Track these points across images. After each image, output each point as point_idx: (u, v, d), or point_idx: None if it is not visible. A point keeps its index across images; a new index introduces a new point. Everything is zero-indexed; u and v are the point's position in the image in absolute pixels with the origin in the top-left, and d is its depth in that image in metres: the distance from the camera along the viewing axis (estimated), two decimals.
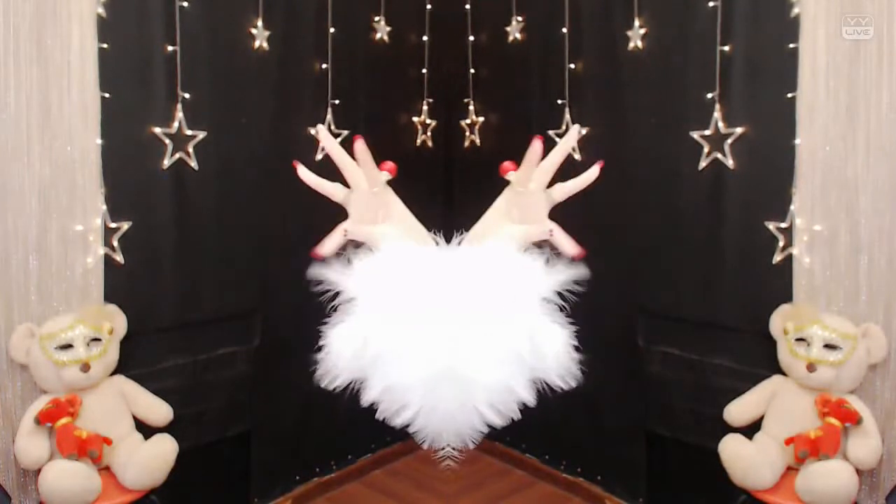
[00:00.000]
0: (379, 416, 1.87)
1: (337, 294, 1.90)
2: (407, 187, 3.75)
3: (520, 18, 3.37)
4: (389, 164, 2.12)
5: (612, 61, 2.95)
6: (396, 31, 3.42)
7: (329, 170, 3.22)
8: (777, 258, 2.49)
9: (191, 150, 2.66)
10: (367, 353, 1.80)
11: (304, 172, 2.08)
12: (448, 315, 1.79)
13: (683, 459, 2.85)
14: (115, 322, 2.41)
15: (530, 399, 1.87)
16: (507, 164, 2.11)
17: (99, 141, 2.41)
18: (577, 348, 1.93)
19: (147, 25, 2.52)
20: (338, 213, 3.30)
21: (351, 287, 1.90)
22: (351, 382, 1.87)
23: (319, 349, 1.96)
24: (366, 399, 1.86)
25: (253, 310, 2.94)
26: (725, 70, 2.58)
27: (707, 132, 2.64)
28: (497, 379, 1.81)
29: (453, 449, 1.82)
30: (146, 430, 2.44)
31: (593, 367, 3.08)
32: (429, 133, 3.65)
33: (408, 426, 1.86)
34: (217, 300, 2.81)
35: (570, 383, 1.89)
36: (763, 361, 2.51)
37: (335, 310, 1.92)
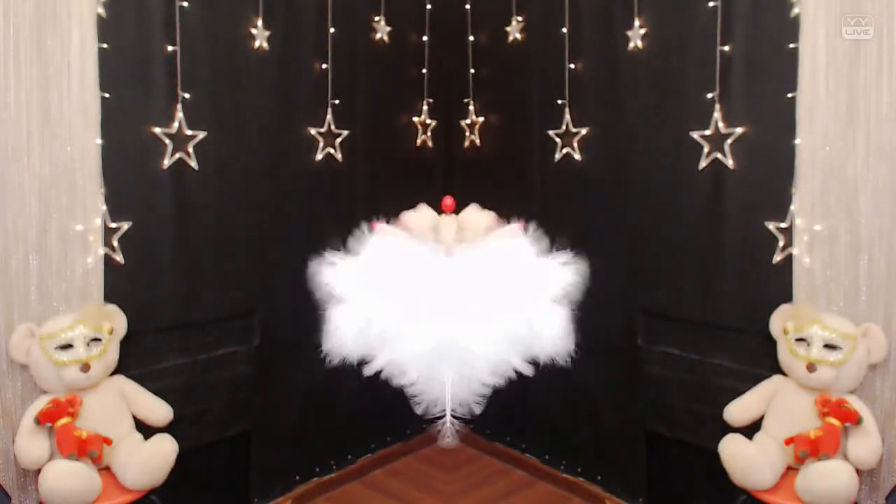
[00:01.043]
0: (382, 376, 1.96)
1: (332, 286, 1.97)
2: (407, 187, 3.78)
3: (520, 18, 3.37)
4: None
5: (612, 61, 2.95)
6: (396, 31, 3.42)
7: (329, 170, 3.24)
8: (777, 258, 2.49)
9: (191, 150, 2.66)
10: (371, 331, 1.88)
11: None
12: (450, 295, 1.85)
13: (683, 459, 2.85)
14: (115, 322, 2.41)
15: (526, 369, 1.97)
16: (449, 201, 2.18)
17: (99, 141, 2.41)
18: (573, 331, 1.99)
19: (147, 25, 2.52)
20: (337, 214, 3.31)
21: (350, 273, 1.97)
22: (356, 358, 1.95)
23: (321, 339, 1.99)
24: (370, 369, 1.94)
25: (253, 310, 2.94)
26: (725, 70, 2.58)
27: (707, 132, 2.64)
28: (494, 352, 1.88)
29: (453, 423, 1.91)
30: (146, 430, 2.44)
31: (593, 367, 3.09)
32: (429, 133, 3.65)
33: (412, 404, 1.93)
34: (217, 300, 2.81)
35: (562, 361, 1.96)
36: (763, 361, 2.51)
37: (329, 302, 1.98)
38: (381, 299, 1.91)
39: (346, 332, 1.92)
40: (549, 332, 1.95)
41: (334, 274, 1.99)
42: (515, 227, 2.09)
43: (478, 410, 1.96)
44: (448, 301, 1.87)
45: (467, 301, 1.87)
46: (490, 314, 1.89)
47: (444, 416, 1.93)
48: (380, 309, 1.90)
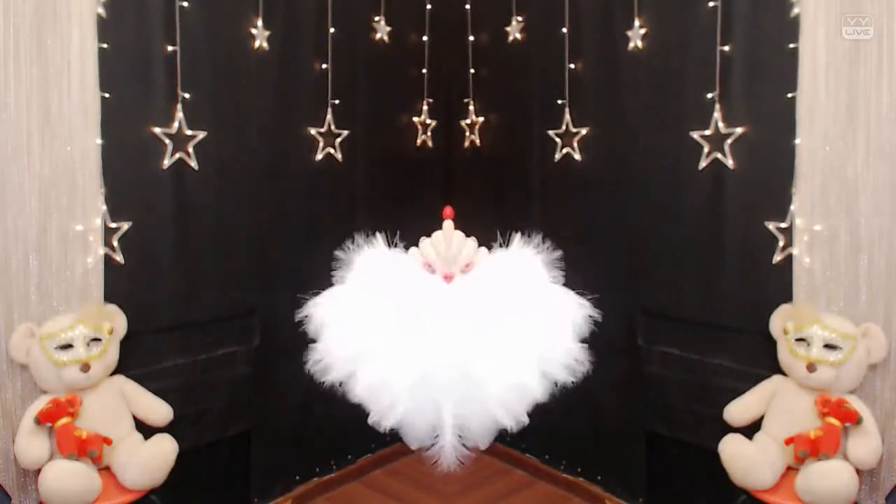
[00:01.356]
0: (370, 415, 1.81)
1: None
2: (407, 187, 3.78)
3: (520, 18, 3.37)
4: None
5: (612, 61, 2.95)
6: (396, 31, 3.42)
7: (329, 168, 3.24)
8: (777, 258, 2.49)
9: (191, 150, 2.66)
10: (360, 351, 1.76)
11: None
12: (453, 314, 1.72)
13: (683, 459, 2.85)
14: (115, 322, 2.41)
15: (543, 397, 1.81)
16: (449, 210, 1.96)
17: (99, 141, 2.41)
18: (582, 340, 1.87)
19: (147, 25, 2.52)
20: (337, 214, 3.31)
21: (338, 299, 1.84)
22: (341, 378, 1.82)
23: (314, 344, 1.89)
24: (353, 395, 1.80)
25: (253, 310, 2.94)
26: (725, 70, 2.58)
27: (707, 132, 2.64)
28: (512, 378, 1.72)
29: (462, 451, 1.76)
30: (146, 430, 2.44)
31: (593, 367, 3.06)
32: (429, 133, 3.65)
33: (395, 428, 1.80)
34: (217, 300, 2.80)
35: (575, 376, 1.83)
36: (763, 361, 2.51)
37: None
38: (369, 319, 1.75)
39: (335, 350, 1.76)
40: (562, 344, 1.79)
41: (322, 309, 1.83)
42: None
43: (487, 444, 1.81)
44: (447, 320, 1.70)
45: (471, 321, 1.70)
46: (499, 333, 1.71)
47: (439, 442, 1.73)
48: (366, 328, 1.74)
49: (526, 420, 1.84)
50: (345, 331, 1.79)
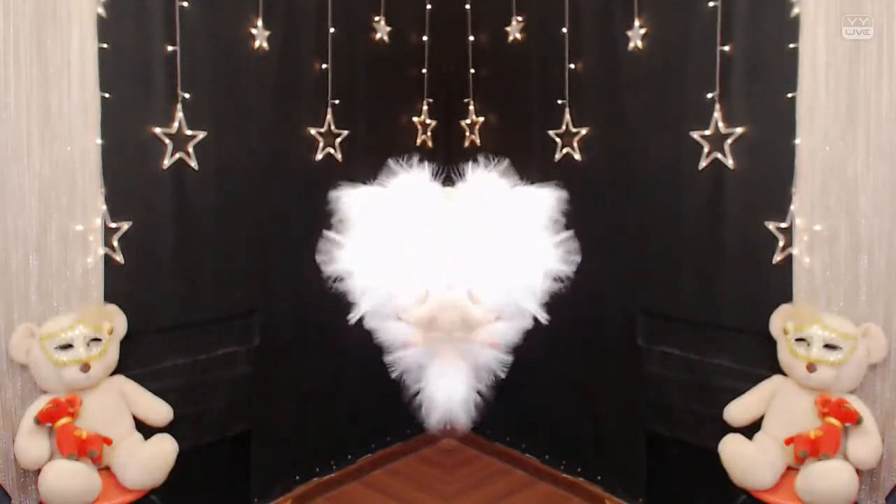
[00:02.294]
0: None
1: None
2: None
3: (520, 18, 3.37)
4: None
5: (612, 61, 2.95)
6: (396, 31, 3.42)
7: (329, 168, 3.24)
8: (777, 258, 2.49)
9: (191, 150, 2.66)
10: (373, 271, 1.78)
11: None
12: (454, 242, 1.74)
13: (683, 459, 2.85)
14: (115, 322, 2.41)
15: (540, 315, 1.84)
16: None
17: (99, 141, 2.41)
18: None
19: (147, 25, 2.52)
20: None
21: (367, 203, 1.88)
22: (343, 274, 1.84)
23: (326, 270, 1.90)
24: (358, 312, 1.85)
25: (253, 310, 2.94)
26: (725, 70, 2.58)
27: (707, 132, 2.64)
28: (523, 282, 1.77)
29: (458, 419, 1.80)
30: (146, 430, 2.44)
31: (593, 367, 3.07)
32: (429, 133, 3.65)
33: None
34: (217, 300, 2.80)
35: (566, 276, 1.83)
36: (763, 361, 2.51)
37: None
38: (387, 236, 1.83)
39: (353, 260, 1.84)
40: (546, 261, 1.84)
41: (354, 203, 1.93)
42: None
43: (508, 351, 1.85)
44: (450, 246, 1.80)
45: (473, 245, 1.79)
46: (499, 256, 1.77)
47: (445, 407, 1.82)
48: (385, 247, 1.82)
49: (546, 317, 1.84)
50: (363, 235, 1.86)
